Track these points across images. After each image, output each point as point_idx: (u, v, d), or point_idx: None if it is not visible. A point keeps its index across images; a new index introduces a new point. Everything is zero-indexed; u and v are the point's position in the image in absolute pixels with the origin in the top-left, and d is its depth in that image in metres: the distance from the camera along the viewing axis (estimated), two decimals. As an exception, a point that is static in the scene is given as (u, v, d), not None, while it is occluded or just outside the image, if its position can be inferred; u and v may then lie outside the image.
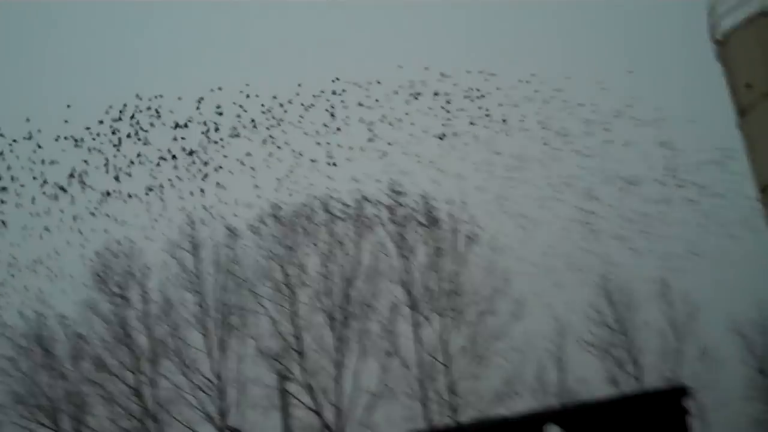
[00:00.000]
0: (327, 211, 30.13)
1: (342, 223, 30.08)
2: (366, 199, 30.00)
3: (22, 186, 26.65)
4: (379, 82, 26.91)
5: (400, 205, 30.39)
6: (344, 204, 29.95)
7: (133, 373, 30.45)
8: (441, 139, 27.56)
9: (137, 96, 25.98)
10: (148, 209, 30.38)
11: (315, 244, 30.27)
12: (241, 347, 30.05)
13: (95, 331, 30.77)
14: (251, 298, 30.16)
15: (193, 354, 30.14)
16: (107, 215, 29.06)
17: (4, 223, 26.99)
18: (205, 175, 27.67)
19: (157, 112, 25.93)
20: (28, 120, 25.22)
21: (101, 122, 25.87)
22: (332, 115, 26.79)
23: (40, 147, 25.56)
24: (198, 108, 26.13)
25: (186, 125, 26.25)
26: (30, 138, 25.40)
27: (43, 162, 25.73)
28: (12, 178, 26.37)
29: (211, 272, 30.35)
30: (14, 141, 25.45)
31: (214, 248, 30.31)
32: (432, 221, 30.58)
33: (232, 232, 30.11)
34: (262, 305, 30.13)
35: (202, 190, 28.87)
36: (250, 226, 30.12)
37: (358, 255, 30.33)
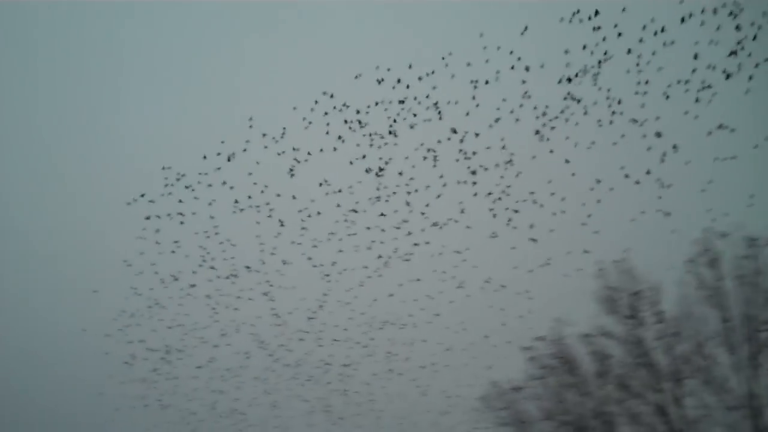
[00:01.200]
0: None
1: None
2: None
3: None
4: None
5: None
6: None
7: (656, 392, 30.82)
8: None
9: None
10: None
11: None
12: (774, 363, 28.47)
13: (614, 352, 32.23)
14: (781, 311, 28.62)
15: (720, 372, 29.45)
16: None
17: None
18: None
19: None
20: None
21: None
22: None
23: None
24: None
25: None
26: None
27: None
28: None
29: (733, 286, 29.73)
30: None
31: (734, 261, 29.79)
32: None
33: (753, 243, 29.40)
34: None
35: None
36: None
37: None
